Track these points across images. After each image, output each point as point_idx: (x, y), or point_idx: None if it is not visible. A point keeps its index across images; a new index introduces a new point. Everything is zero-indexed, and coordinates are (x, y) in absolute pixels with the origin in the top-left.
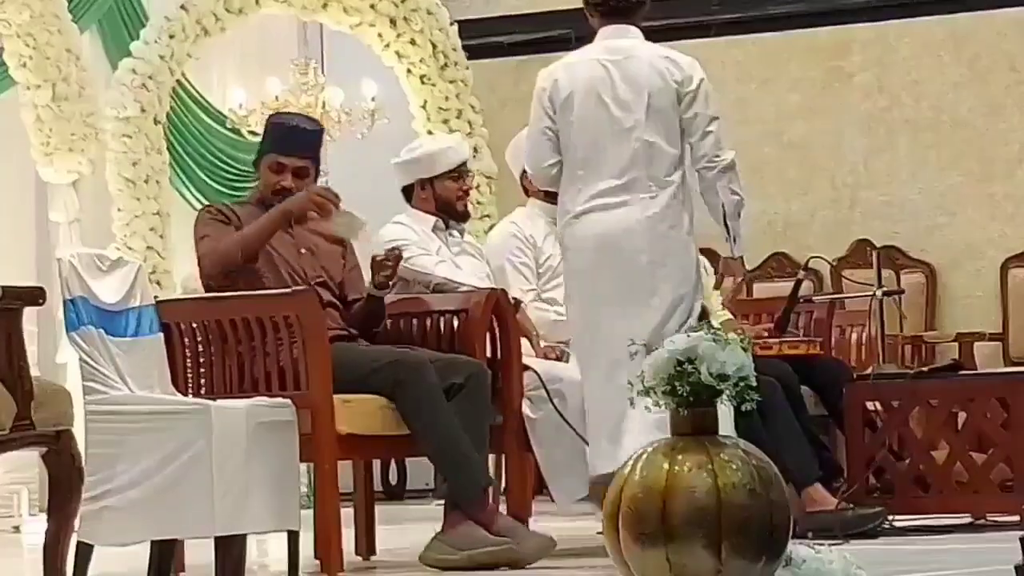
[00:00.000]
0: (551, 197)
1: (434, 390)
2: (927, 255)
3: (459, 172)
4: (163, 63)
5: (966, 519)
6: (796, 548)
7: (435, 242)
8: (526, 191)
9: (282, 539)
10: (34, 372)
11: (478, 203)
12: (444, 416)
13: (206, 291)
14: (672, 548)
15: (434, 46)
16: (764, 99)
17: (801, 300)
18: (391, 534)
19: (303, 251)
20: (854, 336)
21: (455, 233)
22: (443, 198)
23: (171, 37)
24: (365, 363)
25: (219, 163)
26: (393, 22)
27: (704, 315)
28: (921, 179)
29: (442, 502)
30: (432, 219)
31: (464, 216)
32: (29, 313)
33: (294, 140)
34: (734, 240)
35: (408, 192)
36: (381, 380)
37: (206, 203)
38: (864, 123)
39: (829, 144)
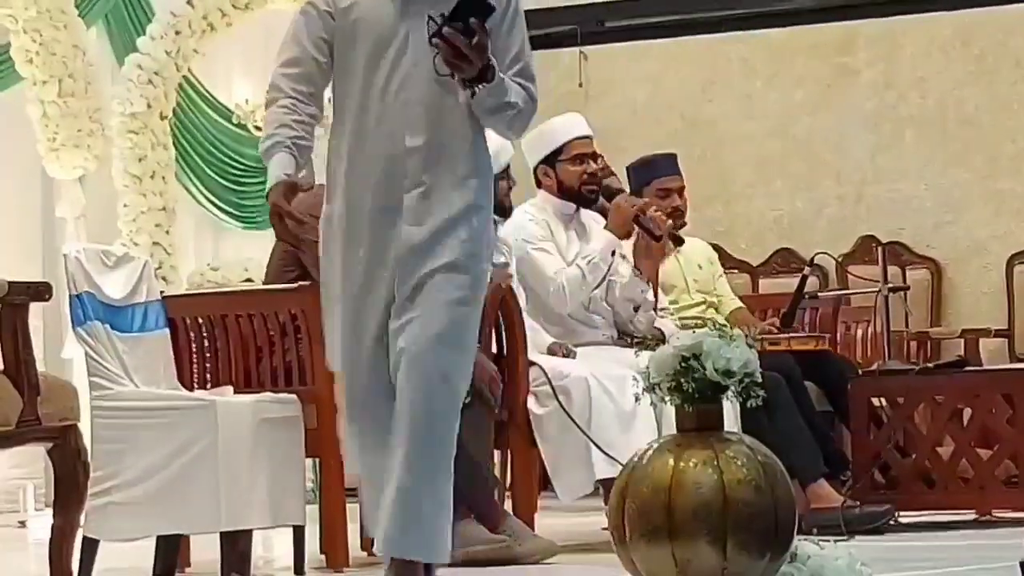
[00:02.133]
0: (562, 192)
1: None
2: (933, 251)
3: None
4: (169, 59)
5: (971, 515)
6: (801, 544)
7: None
8: (539, 183)
9: (287, 534)
10: (40, 367)
11: None
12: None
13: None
14: (677, 544)
15: None
16: (770, 95)
17: (807, 296)
18: None
19: None
20: (859, 332)
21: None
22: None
23: (177, 33)
24: None
25: (225, 159)
26: None
27: None
28: (927, 176)
29: None
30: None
31: (505, 214)
32: (35, 308)
33: None
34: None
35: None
36: None
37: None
38: (870, 120)
39: (835, 140)
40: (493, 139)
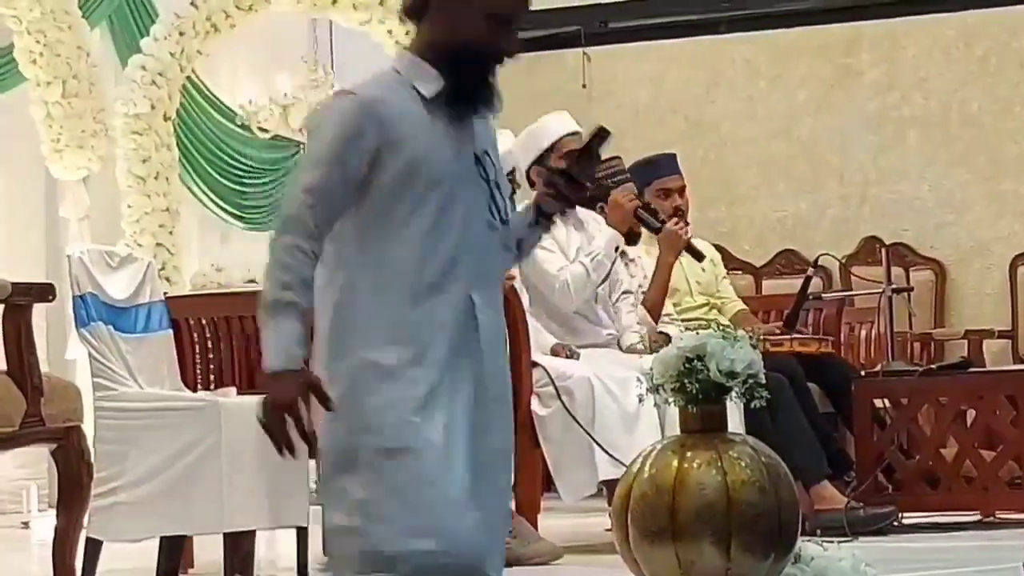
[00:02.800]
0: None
1: None
2: (936, 252)
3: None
4: (173, 60)
5: (975, 516)
6: (805, 545)
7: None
8: (532, 184)
9: (291, 535)
10: (44, 368)
11: None
12: None
13: None
14: (681, 545)
15: None
16: (773, 96)
17: (810, 297)
18: None
19: None
20: (863, 333)
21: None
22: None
23: (181, 34)
24: None
25: (229, 160)
26: (403, 18)
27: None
28: (930, 176)
29: None
30: None
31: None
32: (39, 309)
33: None
34: None
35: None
36: None
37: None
38: (873, 120)
39: (838, 141)
40: (502, 143)
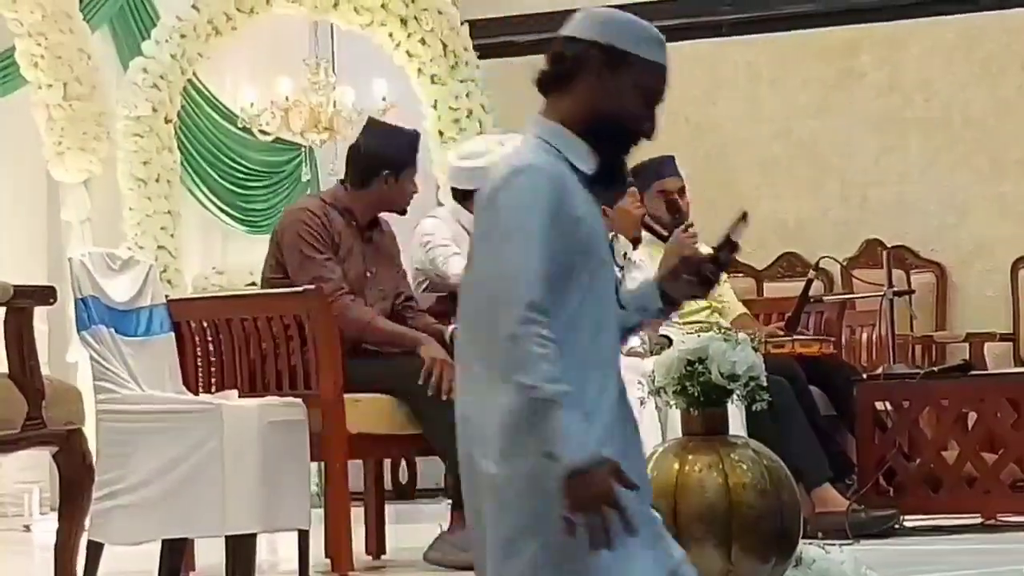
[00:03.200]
0: None
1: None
2: (938, 255)
3: None
4: (174, 62)
5: (976, 519)
6: (806, 548)
7: (468, 241)
8: None
9: (293, 538)
10: (45, 371)
11: None
12: (452, 412)
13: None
14: (683, 548)
15: (445, 45)
16: (775, 98)
17: (811, 300)
18: (401, 533)
19: (368, 274)
20: (864, 336)
21: None
22: None
23: (182, 36)
24: (374, 362)
25: (230, 162)
26: (404, 21)
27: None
28: (932, 179)
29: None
30: None
31: None
32: (40, 312)
33: (418, 148)
34: None
35: (461, 193)
36: (389, 378)
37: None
38: (875, 123)
39: (840, 143)
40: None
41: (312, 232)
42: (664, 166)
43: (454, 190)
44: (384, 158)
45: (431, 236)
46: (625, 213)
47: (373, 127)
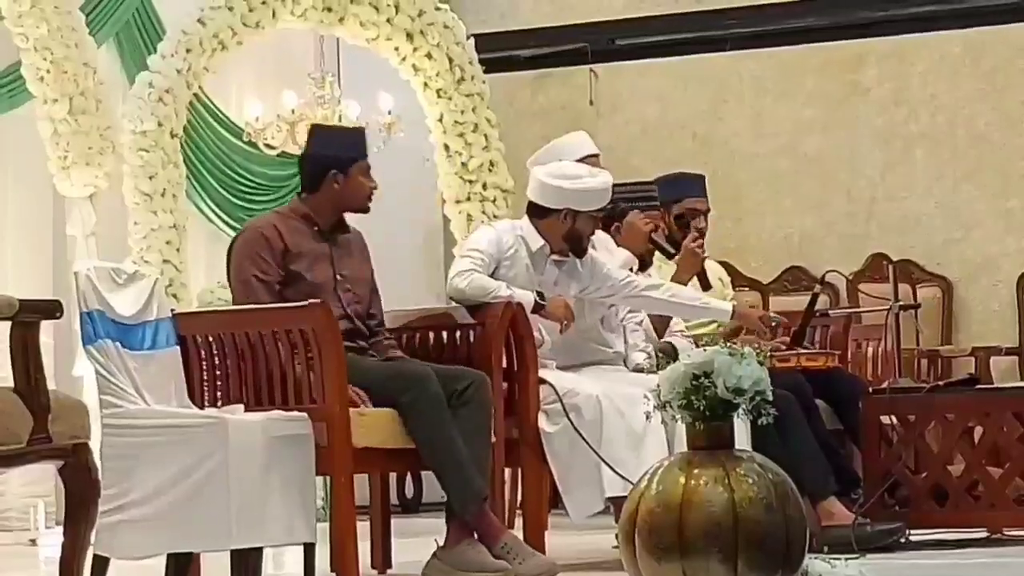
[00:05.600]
0: None
1: (437, 400)
2: (943, 269)
3: (601, 213)
4: (180, 77)
5: (982, 533)
6: (812, 562)
7: (523, 259)
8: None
9: (298, 552)
10: (51, 385)
11: (493, 216)
12: (445, 427)
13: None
14: (688, 562)
15: (450, 60)
16: (780, 113)
17: (817, 314)
18: (407, 547)
19: (339, 277)
20: (870, 350)
21: (559, 264)
22: (578, 233)
23: (188, 51)
24: (369, 375)
25: (236, 176)
26: (409, 36)
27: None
28: (937, 193)
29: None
30: (542, 243)
31: (583, 254)
32: (46, 326)
33: (364, 144)
34: None
35: (539, 209)
36: (385, 391)
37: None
38: (880, 137)
39: (845, 158)
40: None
41: (251, 254)
42: (696, 186)
43: (531, 204)
44: (328, 158)
45: (469, 245)
46: (634, 229)
47: (317, 132)
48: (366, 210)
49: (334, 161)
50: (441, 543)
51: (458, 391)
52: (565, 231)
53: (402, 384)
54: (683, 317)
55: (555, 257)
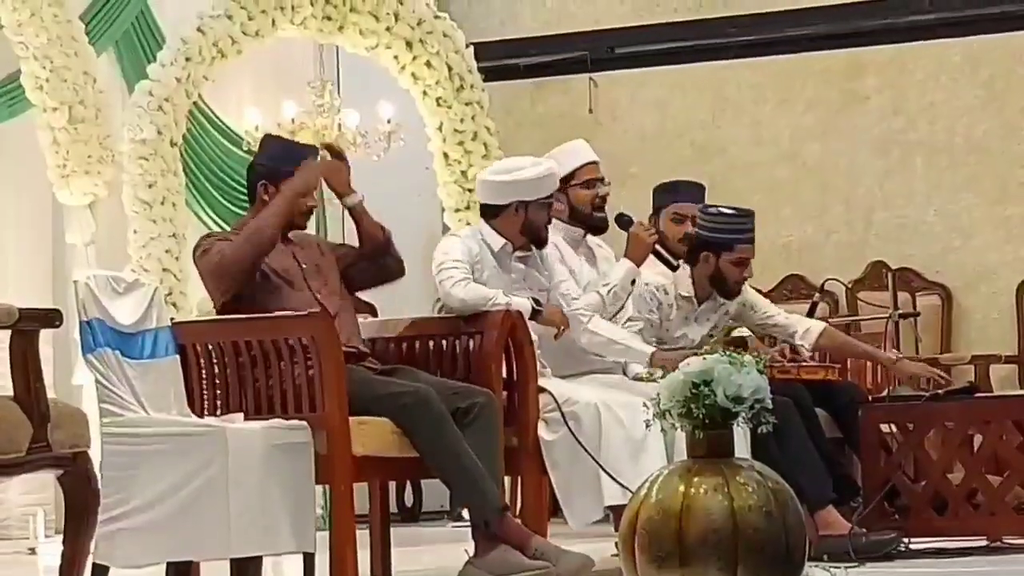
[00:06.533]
0: (573, 216)
1: (441, 418)
2: (942, 277)
3: (551, 200)
4: (180, 85)
5: (982, 542)
6: (811, 571)
7: (490, 262)
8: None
9: (298, 561)
10: (50, 394)
11: None
12: (453, 442)
13: (220, 312)
14: (687, 570)
15: (450, 68)
16: (779, 121)
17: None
18: (406, 556)
19: (305, 266)
20: None
21: (523, 259)
22: (534, 224)
23: (188, 59)
24: (368, 392)
25: (235, 185)
26: (409, 44)
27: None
28: (936, 201)
29: (458, 524)
30: (503, 242)
31: (544, 244)
32: (45, 335)
33: (308, 158)
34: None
35: (491, 209)
36: (385, 410)
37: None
38: (879, 145)
39: (844, 166)
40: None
41: (203, 248)
42: (687, 192)
43: (482, 207)
44: (257, 171)
45: (444, 256)
46: (637, 240)
47: (263, 141)
48: (303, 227)
49: (262, 173)
50: (471, 554)
51: (463, 408)
52: (520, 224)
53: (402, 402)
54: (600, 354)
55: (518, 253)
